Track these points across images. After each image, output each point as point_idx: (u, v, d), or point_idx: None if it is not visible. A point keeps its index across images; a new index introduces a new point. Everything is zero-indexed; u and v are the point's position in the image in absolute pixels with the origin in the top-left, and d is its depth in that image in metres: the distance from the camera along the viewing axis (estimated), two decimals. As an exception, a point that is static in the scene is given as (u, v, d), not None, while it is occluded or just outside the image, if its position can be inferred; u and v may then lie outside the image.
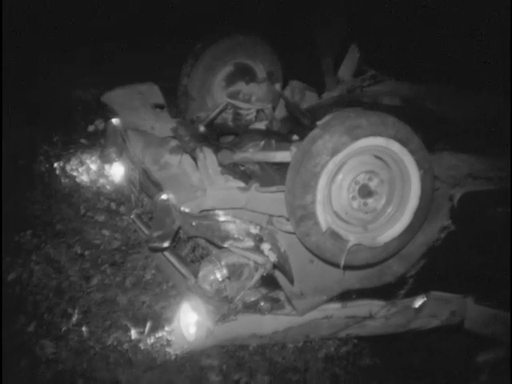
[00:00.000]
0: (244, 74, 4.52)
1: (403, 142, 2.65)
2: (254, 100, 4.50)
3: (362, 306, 3.28)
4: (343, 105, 4.17)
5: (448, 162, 3.28)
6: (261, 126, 4.19)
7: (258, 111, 4.41)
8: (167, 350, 3.61)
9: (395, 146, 2.65)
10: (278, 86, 4.57)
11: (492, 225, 3.34)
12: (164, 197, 3.06)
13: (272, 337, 3.12)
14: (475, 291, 3.48)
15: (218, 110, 4.20)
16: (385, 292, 3.29)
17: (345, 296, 3.19)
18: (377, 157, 2.74)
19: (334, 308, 3.18)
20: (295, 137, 3.90)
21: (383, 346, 3.97)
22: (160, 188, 3.21)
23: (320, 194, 2.59)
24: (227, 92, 4.46)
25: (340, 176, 2.67)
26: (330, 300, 3.15)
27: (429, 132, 3.09)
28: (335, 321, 3.23)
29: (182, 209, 2.87)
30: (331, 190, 2.67)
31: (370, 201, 2.76)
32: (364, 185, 2.73)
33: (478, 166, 3.36)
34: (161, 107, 3.88)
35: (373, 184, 2.74)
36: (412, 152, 2.68)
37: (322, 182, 2.57)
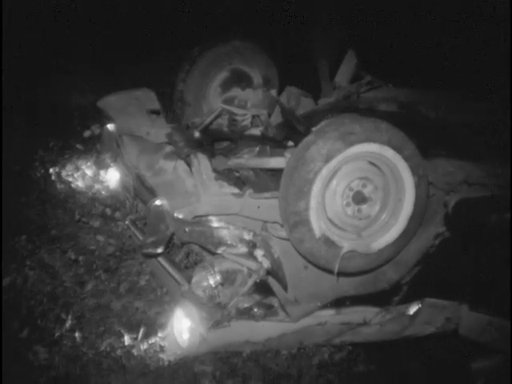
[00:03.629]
0: (240, 79, 4.52)
1: (397, 148, 2.64)
2: (250, 106, 4.50)
3: (357, 313, 3.26)
4: (339, 111, 4.16)
5: (443, 169, 3.27)
6: (256, 132, 4.17)
7: (253, 117, 4.39)
8: (161, 356, 3.60)
9: (389, 153, 2.64)
10: (273, 92, 4.57)
11: (486, 231, 3.33)
12: (158, 203, 3.06)
13: (265, 343, 3.11)
14: (470, 298, 3.47)
15: (213, 116, 4.19)
16: (379, 299, 3.28)
17: (339, 302, 3.18)
18: (371, 163, 2.73)
19: (329, 314, 3.17)
20: (290, 143, 3.90)
21: (378, 352, 3.96)
22: (154, 194, 3.21)
23: (314, 201, 2.58)
24: (223, 98, 4.46)
25: (334, 182, 2.67)
26: (324, 306, 3.13)
27: (424, 138, 3.09)
28: (329, 327, 3.21)
29: (176, 215, 2.86)
30: (325, 196, 2.67)
31: (364, 207, 2.75)
32: (358, 191, 2.72)
33: (474, 173, 3.34)
34: (156, 113, 3.88)
35: (367, 190, 2.74)
36: (406, 158, 2.67)
37: (316, 188, 2.56)
